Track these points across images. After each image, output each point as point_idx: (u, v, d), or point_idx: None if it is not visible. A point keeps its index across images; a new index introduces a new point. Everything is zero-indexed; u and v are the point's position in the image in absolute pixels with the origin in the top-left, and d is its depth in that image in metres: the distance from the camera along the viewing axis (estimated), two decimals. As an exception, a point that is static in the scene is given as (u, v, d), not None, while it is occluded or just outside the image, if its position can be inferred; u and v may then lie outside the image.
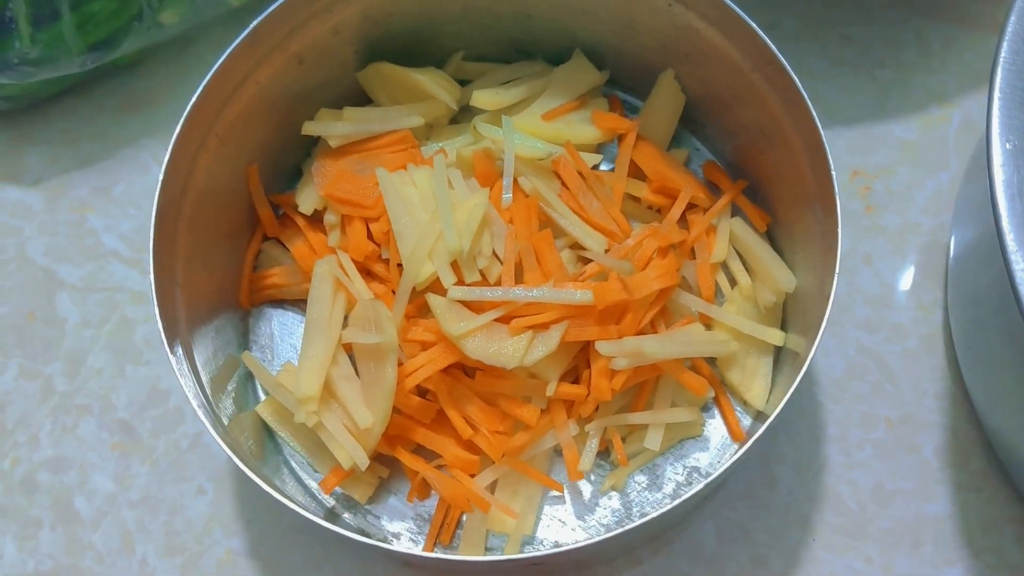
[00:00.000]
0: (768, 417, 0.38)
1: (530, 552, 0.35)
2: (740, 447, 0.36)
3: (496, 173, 0.45)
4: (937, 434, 0.46)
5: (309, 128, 0.47)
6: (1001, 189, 0.36)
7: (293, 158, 0.49)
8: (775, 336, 0.44)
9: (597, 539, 0.35)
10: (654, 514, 0.35)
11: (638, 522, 0.35)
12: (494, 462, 0.43)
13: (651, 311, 0.43)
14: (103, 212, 0.52)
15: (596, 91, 0.49)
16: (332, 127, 0.46)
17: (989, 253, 0.40)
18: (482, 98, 0.47)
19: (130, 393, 0.48)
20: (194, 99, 0.42)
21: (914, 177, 0.50)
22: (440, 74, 0.48)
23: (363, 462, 0.42)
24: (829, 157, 0.39)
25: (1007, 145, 0.36)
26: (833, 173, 0.39)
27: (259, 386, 0.47)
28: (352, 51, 0.47)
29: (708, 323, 0.45)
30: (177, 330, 0.41)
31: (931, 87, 0.52)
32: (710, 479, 0.35)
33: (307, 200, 0.46)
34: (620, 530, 0.35)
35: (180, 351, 0.41)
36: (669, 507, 0.35)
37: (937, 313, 0.48)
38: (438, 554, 0.36)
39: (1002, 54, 0.37)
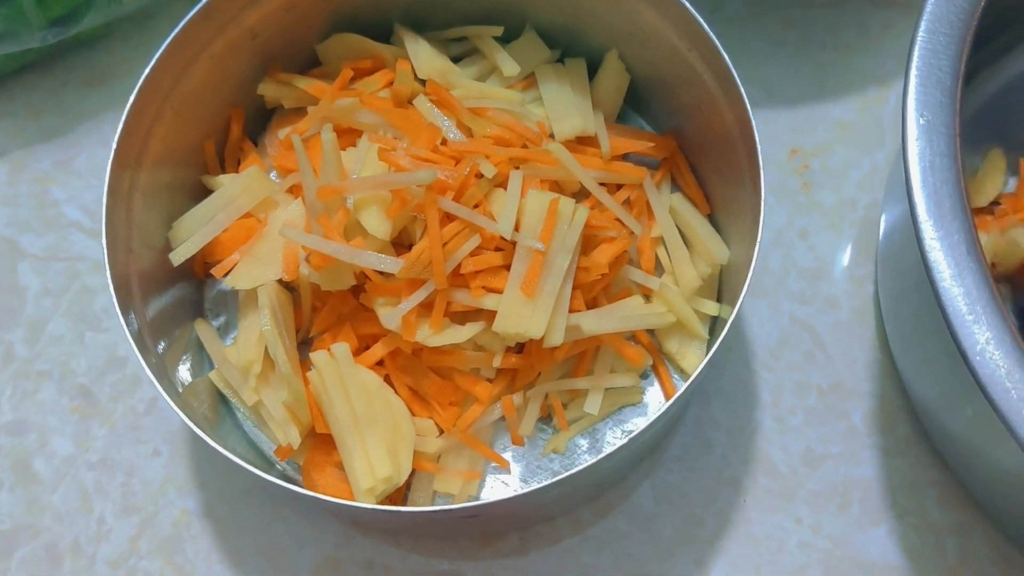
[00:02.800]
0: (697, 378, 0.39)
1: (468, 503, 0.37)
2: (668, 403, 0.38)
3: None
4: (866, 401, 0.48)
5: (264, 88, 0.48)
6: (915, 161, 0.38)
7: (250, 130, 0.50)
8: (710, 307, 0.46)
9: (531, 488, 0.36)
10: (583, 465, 0.36)
11: (568, 473, 0.36)
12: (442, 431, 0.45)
13: (597, 288, 0.45)
14: (65, 184, 0.53)
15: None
16: (287, 89, 0.48)
17: (912, 227, 0.42)
18: (422, 59, 0.48)
19: (89, 359, 0.50)
20: (148, 70, 0.43)
21: (850, 156, 0.52)
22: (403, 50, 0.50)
23: (296, 441, 0.43)
24: (756, 135, 0.41)
25: (921, 120, 0.38)
26: (759, 149, 0.41)
27: (214, 353, 0.48)
28: (306, 27, 0.49)
29: (648, 293, 0.47)
30: (131, 298, 0.43)
31: (869, 69, 0.54)
32: (636, 432, 0.37)
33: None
34: (552, 480, 0.36)
35: (134, 318, 0.42)
36: (597, 459, 0.36)
37: (869, 286, 0.50)
38: (379, 506, 0.38)
39: (919, 34, 0.39)
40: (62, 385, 0.49)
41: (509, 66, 0.48)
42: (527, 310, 0.41)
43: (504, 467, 0.45)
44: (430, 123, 0.45)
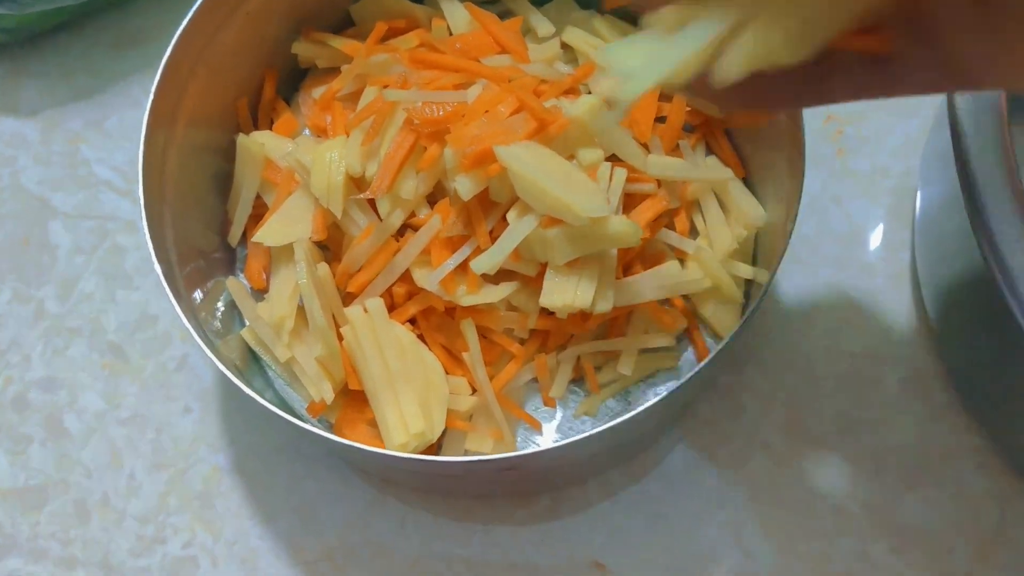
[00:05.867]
0: (731, 340, 0.39)
1: (505, 454, 0.37)
2: (702, 363, 0.38)
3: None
4: (900, 367, 0.47)
5: (298, 47, 0.48)
6: (962, 120, 0.37)
7: (283, 90, 0.50)
8: (745, 270, 0.46)
9: (568, 440, 0.36)
10: (619, 419, 0.36)
11: (605, 426, 0.36)
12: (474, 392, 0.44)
13: (633, 252, 0.45)
14: (96, 144, 0.53)
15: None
16: (320, 48, 0.48)
17: (953, 198, 0.42)
18: (457, 18, 0.48)
19: (120, 317, 0.50)
20: (183, 25, 0.43)
21: (885, 123, 0.51)
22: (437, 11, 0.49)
23: (329, 396, 0.43)
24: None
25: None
26: (803, 115, 0.40)
27: (246, 311, 0.48)
28: (341, -15, 0.49)
29: (682, 256, 0.46)
30: (167, 251, 0.43)
31: (906, 37, 0.53)
32: (670, 391, 0.37)
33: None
34: (590, 432, 0.36)
35: (170, 273, 0.42)
36: (633, 413, 0.36)
37: (904, 253, 0.49)
38: (416, 455, 0.37)
39: None
40: (93, 342, 0.49)
41: (544, 26, 0.48)
42: (572, 282, 0.41)
43: (536, 428, 0.45)
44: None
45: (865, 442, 0.46)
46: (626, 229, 0.40)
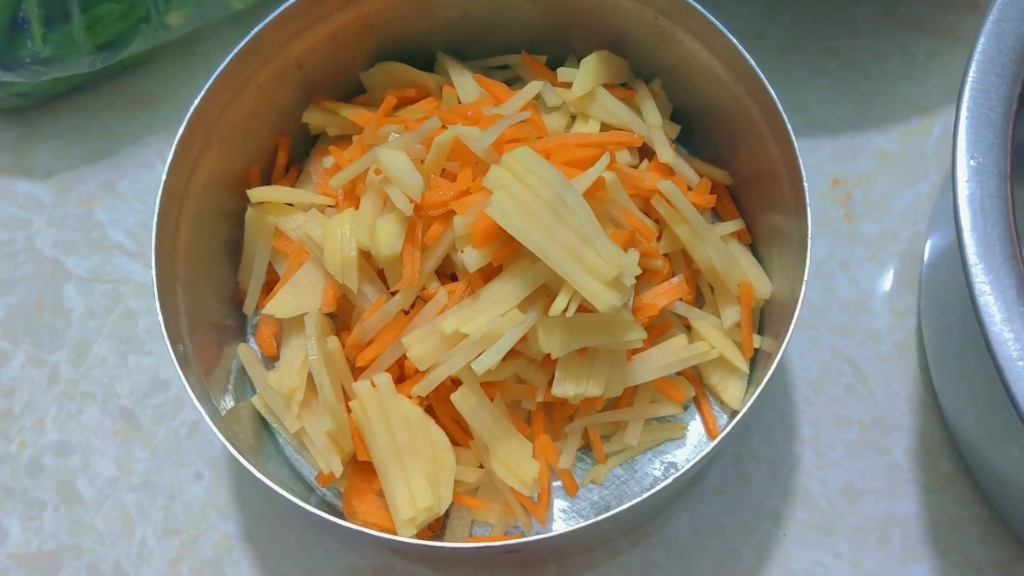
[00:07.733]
0: (741, 417, 0.39)
1: (510, 539, 0.37)
2: (713, 442, 0.38)
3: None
4: (907, 436, 0.47)
5: (309, 116, 0.49)
6: (965, 204, 0.37)
7: (295, 158, 0.51)
8: (753, 340, 0.46)
9: (573, 528, 0.37)
10: (627, 504, 0.36)
11: (612, 512, 0.36)
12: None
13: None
14: (109, 206, 0.54)
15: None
16: (331, 117, 0.49)
17: (958, 263, 0.42)
18: (467, 87, 0.48)
19: (132, 382, 0.50)
20: (197, 102, 0.43)
21: (893, 186, 0.52)
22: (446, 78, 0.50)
23: (338, 469, 0.44)
24: (802, 170, 0.41)
25: (972, 162, 0.38)
26: (805, 185, 0.41)
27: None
28: (351, 56, 0.49)
29: (687, 323, 0.47)
30: (178, 322, 0.43)
31: (913, 99, 0.53)
32: (680, 472, 0.37)
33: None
34: (594, 519, 0.36)
35: (180, 343, 0.43)
36: (641, 498, 0.36)
37: (911, 319, 0.49)
38: (421, 540, 0.38)
39: (970, 74, 0.39)
40: (105, 407, 0.50)
41: (552, 97, 0.48)
42: (584, 371, 0.41)
43: (539, 520, 0.45)
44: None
45: (871, 511, 0.46)
46: (632, 333, 0.40)
